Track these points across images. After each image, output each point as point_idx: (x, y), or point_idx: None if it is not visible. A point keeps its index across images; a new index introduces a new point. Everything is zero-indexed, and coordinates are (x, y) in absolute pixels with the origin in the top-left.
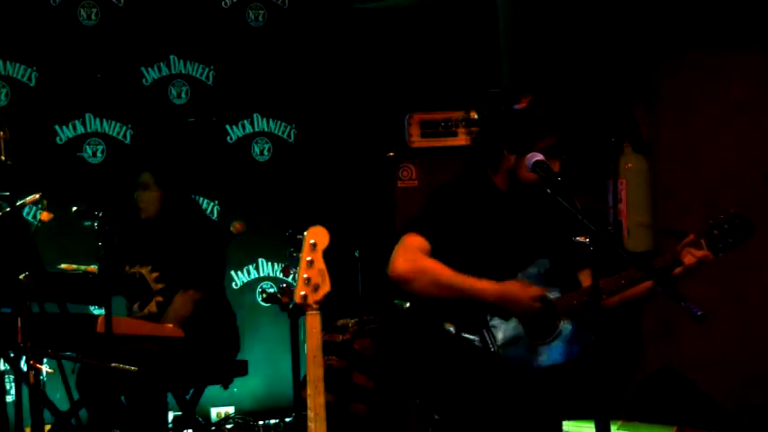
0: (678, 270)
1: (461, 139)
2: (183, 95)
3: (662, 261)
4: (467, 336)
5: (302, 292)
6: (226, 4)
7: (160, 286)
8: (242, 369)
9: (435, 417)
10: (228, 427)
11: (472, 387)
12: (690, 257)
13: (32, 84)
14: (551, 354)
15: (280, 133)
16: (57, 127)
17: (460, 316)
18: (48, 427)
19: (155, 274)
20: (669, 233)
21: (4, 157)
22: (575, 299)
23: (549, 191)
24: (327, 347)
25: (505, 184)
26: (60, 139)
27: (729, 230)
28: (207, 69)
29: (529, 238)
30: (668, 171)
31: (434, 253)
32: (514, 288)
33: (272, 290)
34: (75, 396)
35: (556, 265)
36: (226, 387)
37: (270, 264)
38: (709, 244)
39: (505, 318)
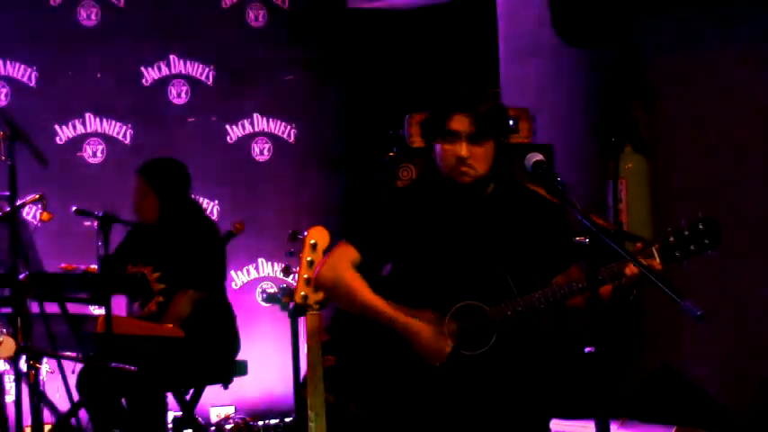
0: (622, 281)
1: None
2: (183, 95)
3: (606, 272)
4: (395, 344)
5: (303, 293)
6: (225, 4)
7: (161, 286)
8: (242, 369)
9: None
10: (228, 427)
11: (402, 396)
12: (631, 268)
13: (32, 84)
14: (482, 365)
15: (279, 133)
16: (56, 127)
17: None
18: (48, 427)
19: (156, 275)
20: (627, 238)
21: (4, 157)
22: (509, 309)
23: (548, 191)
24: (327, 347)
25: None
26: (60, 139)
27: (690, 237)
28: (207, 69)
29: (485, 241)
30: (668, 171)
31: (372, 263)
32: (425, 334)
33: (272, 290)
34: (75, 396)
35: (519, 274)
36: (226, 387)
37: (270, 264)
38: (661, 252)
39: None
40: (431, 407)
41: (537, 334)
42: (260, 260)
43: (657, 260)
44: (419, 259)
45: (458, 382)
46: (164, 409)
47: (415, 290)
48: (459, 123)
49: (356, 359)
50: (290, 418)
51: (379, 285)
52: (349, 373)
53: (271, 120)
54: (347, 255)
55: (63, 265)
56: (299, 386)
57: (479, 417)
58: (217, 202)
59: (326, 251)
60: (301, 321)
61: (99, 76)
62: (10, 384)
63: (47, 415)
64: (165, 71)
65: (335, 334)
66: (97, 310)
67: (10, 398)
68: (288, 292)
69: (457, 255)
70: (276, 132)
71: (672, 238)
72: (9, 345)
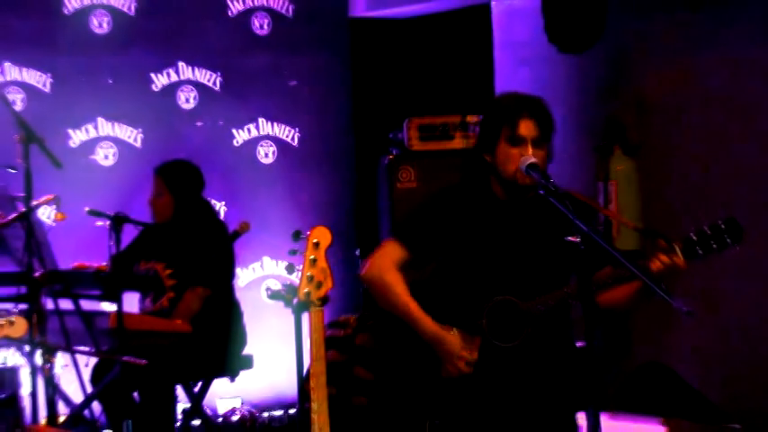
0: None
1: (458, 143)
2: (191, 101)
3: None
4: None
5: (306, 290)
6: (232, 12)
7: (172, 283)
8: (248, 363)
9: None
10: (235, 418)
11: (435, 387)
12: (657, 264)
13: (47, 89)
14: (515, 358)
15: (284, 137)
16: (70, 131)
17: (433, 314)
18: (62, 418)
19: (168, 271)
20: (650, 235)
21: (20, 160)
22: (540, 304)
23: (542, 192)
24: (330, 342)
25: (502, 190)
26: (73, 143)
27: (711, 236)
28: (214, 75)
29: (522, 248)
30: (657, 173)
31: (419, 262)
32: (452, 342)
33: (276, 287)
34: (89, 389)
35: (552, 274)
36: (232, 380)
37: (274, 262)
38: (684, 249)
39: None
40: (464, 398)
41: (568, 329)
42: (265, 258)
43: (680, 256)
44: (464, 259)
45: (491, 375)
46: (173, 401)
47: (454, 289)
48: (526, 128)
49: (394, 352)
50: (294, 410)
51: (417, 285)
52: (387, 366)
53: (275, 124)
54: (393, 254)
55: (76, 263)
56: (303, 379)
57: (511, 409)
58: (224, 202)
59: (328, 250)
60: (305, 317)
61: (111, 82)
62: (26, 378)
63: (61, 407)
64: (174, 77)
65: (376, 332)
66: (109, 307)
67: (26, 391)
68: (291, 290)
69: (501, 255)
70: (280, 136)
71: (694, 237)
72: (21, 324)
